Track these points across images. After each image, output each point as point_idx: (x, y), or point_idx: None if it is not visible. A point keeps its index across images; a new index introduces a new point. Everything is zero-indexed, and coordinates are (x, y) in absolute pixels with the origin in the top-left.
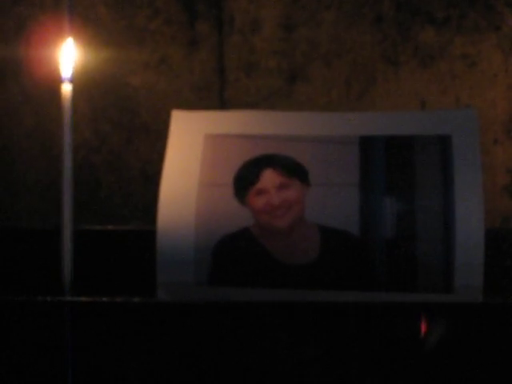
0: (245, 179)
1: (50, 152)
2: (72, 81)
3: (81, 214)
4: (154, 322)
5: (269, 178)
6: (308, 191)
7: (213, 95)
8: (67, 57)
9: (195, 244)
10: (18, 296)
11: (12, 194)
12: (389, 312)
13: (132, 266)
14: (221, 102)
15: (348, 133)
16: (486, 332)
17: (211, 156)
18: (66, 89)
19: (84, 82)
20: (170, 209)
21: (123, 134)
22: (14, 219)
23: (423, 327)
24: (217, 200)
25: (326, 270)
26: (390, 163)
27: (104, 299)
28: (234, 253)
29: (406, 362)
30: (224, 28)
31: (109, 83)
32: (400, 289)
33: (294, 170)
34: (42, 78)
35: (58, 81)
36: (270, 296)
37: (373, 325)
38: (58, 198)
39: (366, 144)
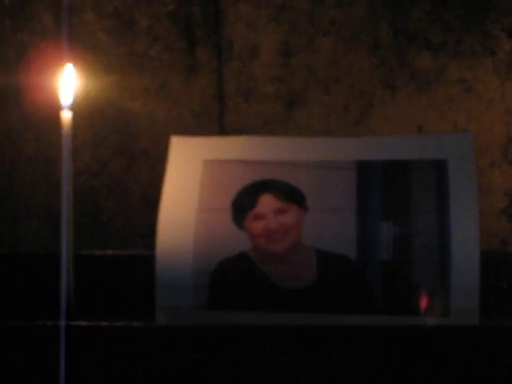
0: (243, 204)
1: (51, 177)
2: (72, 107)
3: (81, 238)
4: (153, 346)
5: (266, 202)
6: (305, 216)
7: (212, 121)
8: (67, 84)
9: (194, 268)
10: (18, 320)
11: (13, 219)
12: (385, 335)
13: (131, 291)
14: (220, 128)
15: (345, 158)
16: (483, 355)
17: (210, 181)
18: (66, 116)
19: (84, 108)
20: (169, 233)
21: (123, 159)
22: (15, 244)
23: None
24: (215, 225)
25: (323, 294)
26: (386, 187)
27: (103, 323)
28: (232, 277)
29: None
30: (223, 54)
31: (109, 109)
32: (396, 312)
33: (291, 195)
34: (43, 105)
35: (58, 107)
36: (267, 320)
37: (370, 348)
38: (58, 223)
39: (363, 168)
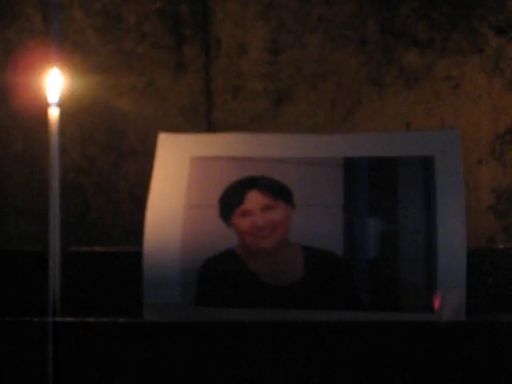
0: (230, 201)
1: (39, 175)
2: (60, 105)
3: (70, 235)
4: (141, 343)
5: (254, 199)
6: (292, 212)
7: (200, 118)
8: (54, 81)
9: (181, 265)
10: (6, 317)
11: (1, 216)
12: (372, 331)
13: (119, 287)
14: (208, 125)
15: (332, 154)
16: (469, 351)
17: (197, 178)
18: (53, 113)
19: (73, 106)
20: (157, 230)
21: (111, 156)
22: (3, 241)
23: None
24: (203, 221)
25: (310, 290)
26: (373, 184)
27: (91, 320)
28: (219, 273)
29: (388, 381)
30: (211, 51)
31: (97, 106)
32: (383, 308)
33: (278, 192)
34: (31, 102)
35: (46, 105)
36: (255, 316)
37: (356, 344)
38: (46, 221)
39: (350, 165)
